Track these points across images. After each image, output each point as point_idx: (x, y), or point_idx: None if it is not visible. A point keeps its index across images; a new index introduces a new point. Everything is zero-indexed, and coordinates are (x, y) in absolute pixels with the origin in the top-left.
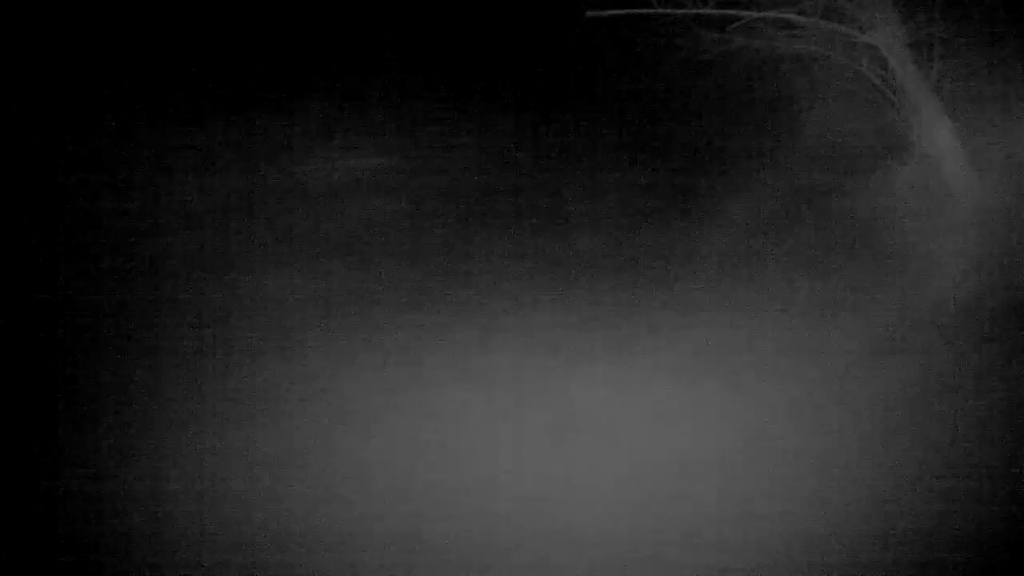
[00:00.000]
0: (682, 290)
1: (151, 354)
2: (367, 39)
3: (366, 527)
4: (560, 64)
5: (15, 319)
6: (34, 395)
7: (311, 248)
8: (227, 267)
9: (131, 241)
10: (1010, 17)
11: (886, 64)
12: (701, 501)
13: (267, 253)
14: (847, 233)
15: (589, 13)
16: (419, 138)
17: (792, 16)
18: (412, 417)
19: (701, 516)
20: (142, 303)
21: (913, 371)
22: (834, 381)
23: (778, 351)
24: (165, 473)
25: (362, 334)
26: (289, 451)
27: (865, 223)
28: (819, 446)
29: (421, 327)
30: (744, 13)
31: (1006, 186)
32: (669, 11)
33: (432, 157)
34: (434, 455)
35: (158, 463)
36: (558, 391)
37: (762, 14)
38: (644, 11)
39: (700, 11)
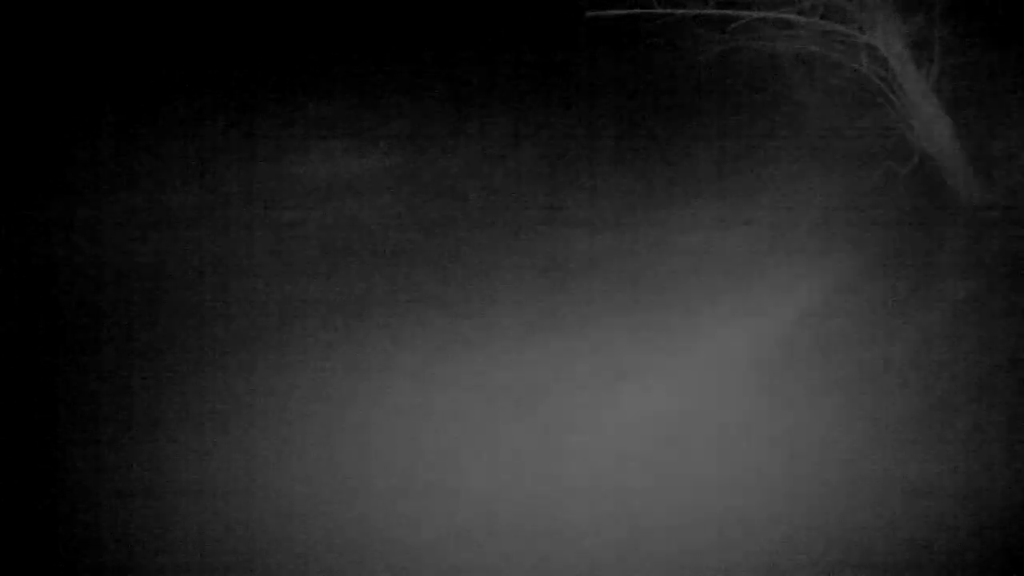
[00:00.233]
0: (682, 290)
1: (151, 354)
2: (368, 39)
3: (366, 527)
4: (560, 64)
5: (15, 319)
6: (34, 395)
7: (311, 248)
8: (227, 267)
9: (131, 241)
10: (1010, 17)
11: (886, 64)
12: (701, 500)
13: (267, 253)
14: (847, 233)
15: (589, 13)
16: (419, 137)
17: (792, 16)
18: (412, 417)
19: (700, 516)
20: (142, 303)
21: (914, 370)
22: (834, 381)
23: (777, 351)
24: (165, 472)
25: (362, 334)
26: (289, 451)
27: (865, 223)
28: (819, 445)
29: (421, 327)
30: (744, 13)
31: (1006, 186)
32: (669, 11)
33: (432, 157)
34: (434, 455)
35: (158, 462)
36: (558, 391)
37: (762, 14)
38: (644, 11)
39: (700, 11)
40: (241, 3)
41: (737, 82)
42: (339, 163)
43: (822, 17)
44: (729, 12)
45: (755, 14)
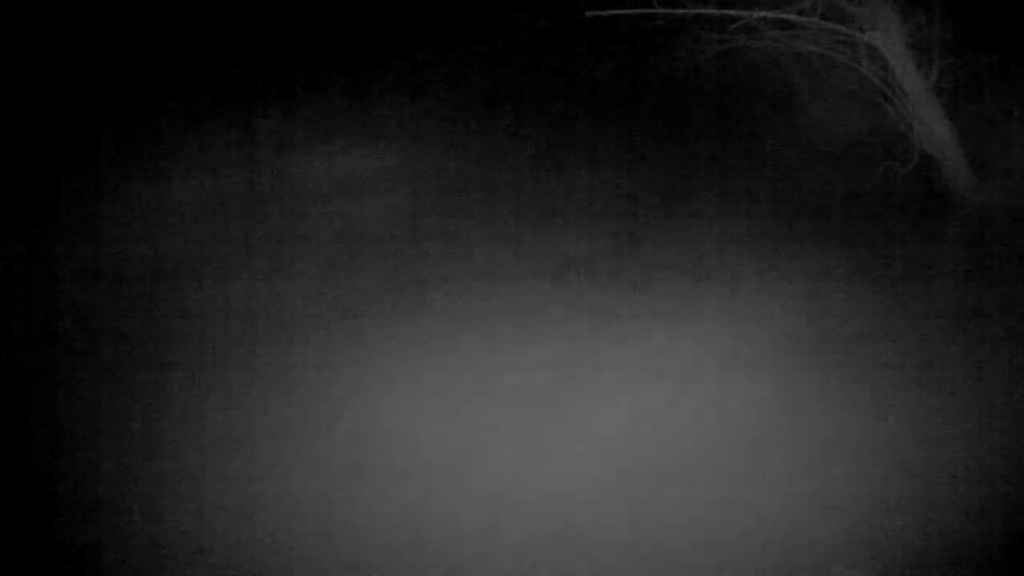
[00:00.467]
0: (682, 290)
1: (150, 354)
2: (367, 39)
3: (366, 527)
4: (560, 64)
5: (15, 319)
6: (33, 395)
7: (311, 248)
8: (226, 267)
9: (131, 241)
10: (1010, 17)
11: (886, 64)
12: (700, 500)
13: (267, 253)
14: (846, 232)
15: (589, 13)
16: (419, 137)
17: (792, 16)
18: (412, 418)
19: (699, 516)
20: (141, 303)
21: (913, 371)
22: (834, 379)
23: (778, 350)
24: (164, 474)
25: (362, 334)
26: (290, 451)
27: (865, 222)
28: (819, 446)
29: (421, 327)
30: (744, 13)
31: (1006, 186)
32: (669, 11)
33: (432, 156)
34: (434, 457)
35: (157, 464)
36: (559, 392)
37: (762, 14)
38: (644, 11)
39: (700, 11)
40: (241, 3)
41: (737, 82)
42: (339, 163)
43: (822, 17)
44: (729, 12)
45: (755, 14)
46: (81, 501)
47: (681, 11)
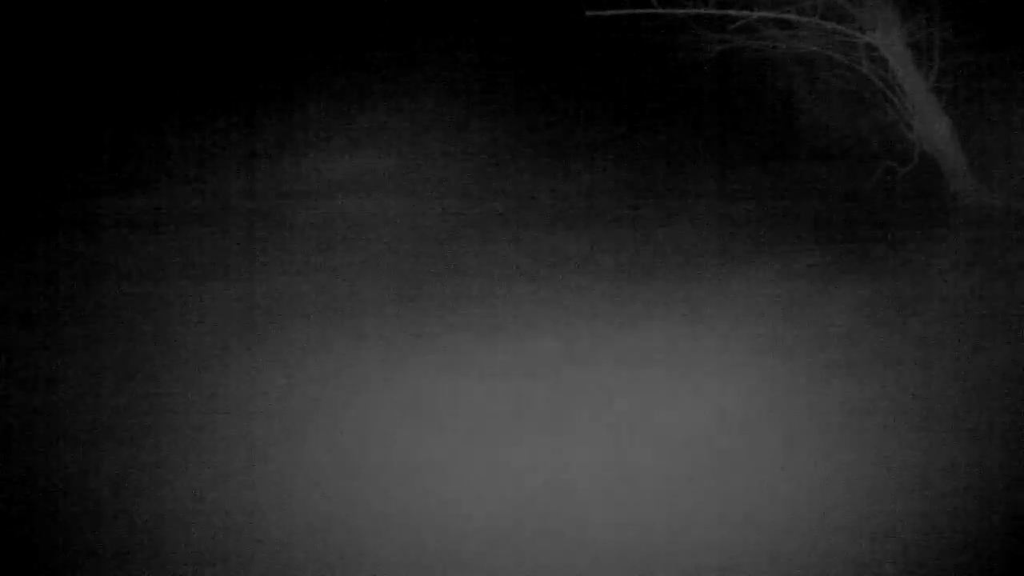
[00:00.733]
0: (682, 290)
1: (150, 354)
2: (368, 39)
3: (366, 527)
4: (560, 64)
5: (15, 319)
6: (33, 395)
7: (311, 248)
8: (227, 267)
9: (131, 241)
10: (1010, 18)
11: (886, 64)
12: (699, 500)
13: (267, 253)
14: (846, 232)
15: (589, 13)
16: (419, 138)
17: (792, 16)
18: (411, 417)
19: (697, 516)
20: (142, 303)
21: (912, 370)
22: (834, 380)
23: (777, 349)
24: (163, 474)
25: (362, 334)
26: (289, 451)
27: (865, 222)
28: (818, 445)
29: (421, 327)
30: (744, 13)
31: (1005, 186)
32: (669, 11)
33: (432, 157)
34: (434, 455)
35: (156, 464)
36: (558, 391)
37: (762, 14)
38: (644, 11)
39: (700, 11)
40: (241, 3)
41: (737, 82)
42: (339, 163)
43: (822, 17)
44: (729, 12)
45: (755, 14)
46: (81, 501)
47: (681, 11)
